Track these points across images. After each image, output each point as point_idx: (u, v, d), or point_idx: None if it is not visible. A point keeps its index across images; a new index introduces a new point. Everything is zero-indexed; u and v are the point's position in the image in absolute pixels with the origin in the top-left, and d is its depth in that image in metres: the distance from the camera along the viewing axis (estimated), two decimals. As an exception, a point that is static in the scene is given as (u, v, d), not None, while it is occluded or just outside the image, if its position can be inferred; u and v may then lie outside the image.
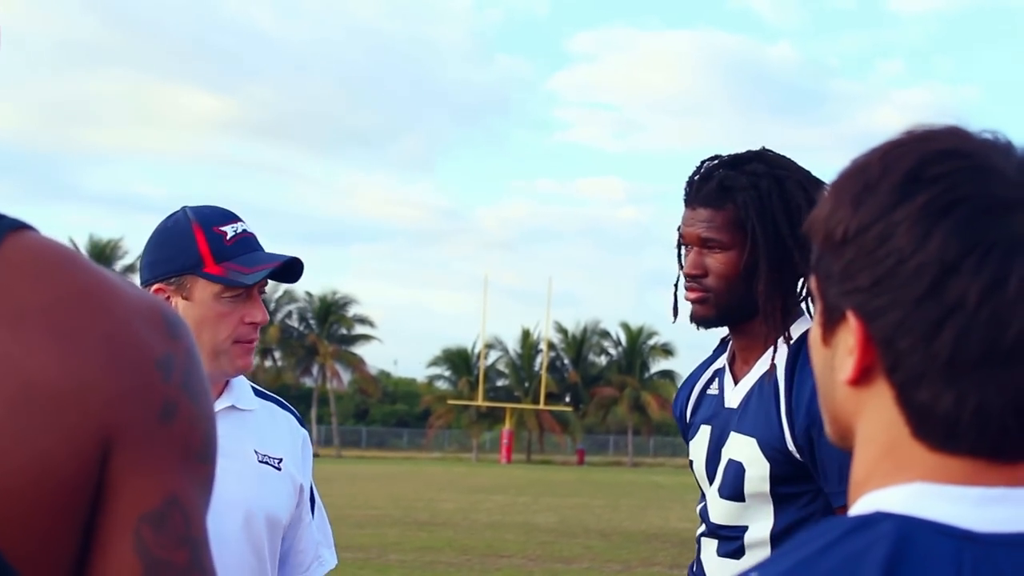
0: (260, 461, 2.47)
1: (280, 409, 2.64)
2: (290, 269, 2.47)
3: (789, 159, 2.57)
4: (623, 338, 66.79)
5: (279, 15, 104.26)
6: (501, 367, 66.54)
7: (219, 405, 2.44)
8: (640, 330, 65.49)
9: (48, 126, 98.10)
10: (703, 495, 2.63)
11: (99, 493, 0.93)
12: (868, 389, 0.93)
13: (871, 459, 0.93)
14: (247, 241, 2.46)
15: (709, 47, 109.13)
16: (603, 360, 68.24)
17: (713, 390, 2.68)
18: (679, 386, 2.85)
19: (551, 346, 64.93)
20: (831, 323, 0.95)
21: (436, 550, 15.43)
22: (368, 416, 76.29)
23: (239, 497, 2.37)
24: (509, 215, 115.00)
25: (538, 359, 64.68)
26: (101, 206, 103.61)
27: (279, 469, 2.50)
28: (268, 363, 63.13)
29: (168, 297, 2.40)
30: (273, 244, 2.53)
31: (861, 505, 0.92)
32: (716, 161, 2.56)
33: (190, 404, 0.97)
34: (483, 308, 61.31)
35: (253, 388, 2.59)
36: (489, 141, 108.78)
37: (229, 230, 2.44)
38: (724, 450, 2.55)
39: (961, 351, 0.87)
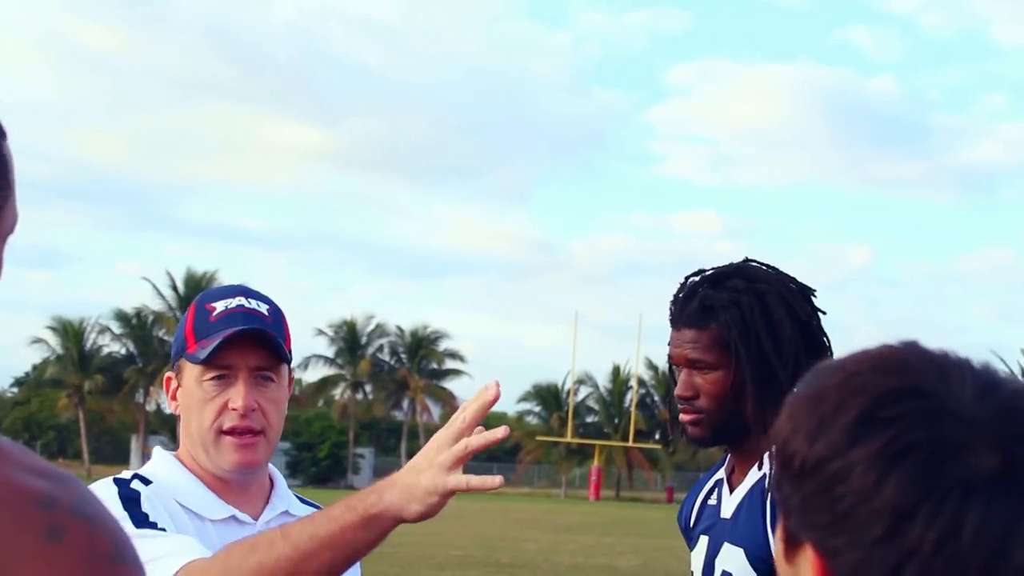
0: None
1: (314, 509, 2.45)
2: (260, 337, 2.13)
3: (771, 269, 2.55)
4: (714, 375, 66.25)
5: (383, 50, 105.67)
6: (591, 403, 66.45)
7: (273, 511, 2.23)
8: (731, 367, 64.86)
9: (151, 157, 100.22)
10: None
11: None
12: None
13: None
14: (235, 317, 2.14)
15: (808, 80, 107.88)
16: (694, 397, 67.70)
17: (713, 500, 2.68)
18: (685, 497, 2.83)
19: (641, 382, 64.72)
20: (793, 546, 0.95)
21: (513, 595, 15.49)
22: (459, 450, 76.40)
23: None
24: (603, 248, 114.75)
25: (628, 395, 64.46)
26: (199, 237, 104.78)
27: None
28: (359, 396, 63.80)
29: (177, 386, 2.20)
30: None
31: None
32: (699, 278, 2.54)
33: (83, 522, 0.93)
34: (573, 343, 61.34)
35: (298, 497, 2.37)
36: (585, 174, 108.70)
37: (220, 305, 2.15)
38: (717, 561, 2.56)
39: None
